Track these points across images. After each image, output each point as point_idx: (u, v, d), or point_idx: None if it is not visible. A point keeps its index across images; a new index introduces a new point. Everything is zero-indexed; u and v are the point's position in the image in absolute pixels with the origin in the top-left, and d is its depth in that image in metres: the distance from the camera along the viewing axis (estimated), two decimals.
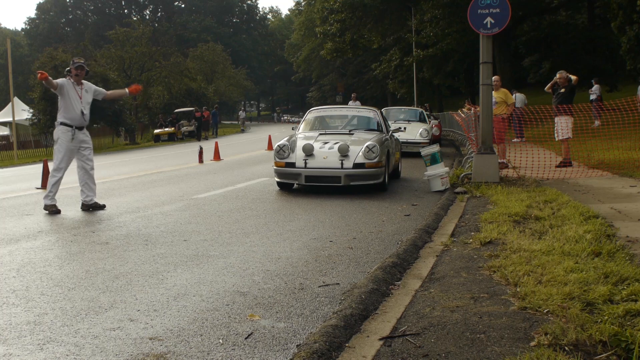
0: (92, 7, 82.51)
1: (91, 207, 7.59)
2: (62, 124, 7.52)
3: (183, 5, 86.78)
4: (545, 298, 3.46)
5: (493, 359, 2.74)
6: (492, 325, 3.15)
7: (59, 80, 7.55)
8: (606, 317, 3.13)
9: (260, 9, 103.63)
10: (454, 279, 4.08)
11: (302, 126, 10.43)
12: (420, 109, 19.21)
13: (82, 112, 7.59)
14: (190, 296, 3.88)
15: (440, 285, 3.97)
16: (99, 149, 29.15)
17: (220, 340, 3.12)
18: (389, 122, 14.01)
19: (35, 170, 13.15)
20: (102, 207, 7.64)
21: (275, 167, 8.91)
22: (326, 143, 8.89)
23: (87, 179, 7.65)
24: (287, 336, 3.18)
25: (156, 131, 35.84)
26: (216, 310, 3.59)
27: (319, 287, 4.07)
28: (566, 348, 2.82)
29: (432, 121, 18.77)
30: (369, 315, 3.47)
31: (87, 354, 2.98)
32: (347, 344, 3.04)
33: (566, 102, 10.84)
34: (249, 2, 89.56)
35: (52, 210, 7.45)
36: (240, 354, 2.95)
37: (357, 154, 8.48)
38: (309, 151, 8.63)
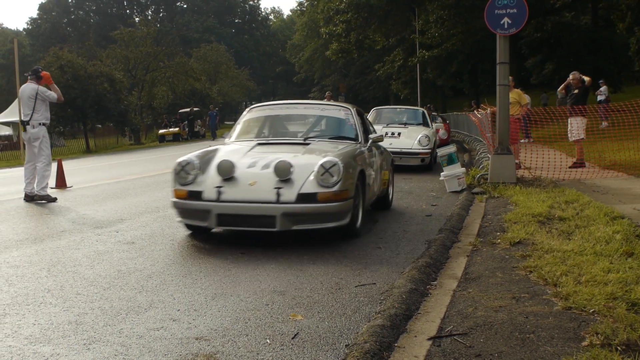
0: (94, 8, 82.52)
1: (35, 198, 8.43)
2: (44, 124, 8.71)
3: (185, 6, 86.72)
4: (588, 298, 3.45)
5: (548, 359, 2.73)
6: (539, 325, 3.14)
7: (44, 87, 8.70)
8: None
9: (262, 10, 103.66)
10: (490, 279, 4.07)
11: (235, 132, 6.87)
12: (422, 109, 15.62)
13: None
14: (228, 296, 3.87)
15: (478, 285, 3.96)
16: (103, 149, 29.14)
17: (268, 340, 3.11)
18: (381, 126, 11.84)
19: None
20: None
21: (173, 199, 5.49)
22: (262, 159, 5.55)
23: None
24: (333, 336, 3.17)
25: (161, 131, 35.85)
26: (257, 310, 3.58)
27: (356, 286, 4.06)
28: (618, 348, 2.82)
29: (436, 124, 16.27)
30: (412, 315, 3.47)
31: (135, 353, 2.97)
32: (396, 344, 3.03)
33: (580, 103, 10.83)
34: (250, 2, 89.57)
35: (50, 199, 8.42)
36: (290, 354, 2.94)
37: (306, 177, 5.20)
38: (227, 172, 5.30)
